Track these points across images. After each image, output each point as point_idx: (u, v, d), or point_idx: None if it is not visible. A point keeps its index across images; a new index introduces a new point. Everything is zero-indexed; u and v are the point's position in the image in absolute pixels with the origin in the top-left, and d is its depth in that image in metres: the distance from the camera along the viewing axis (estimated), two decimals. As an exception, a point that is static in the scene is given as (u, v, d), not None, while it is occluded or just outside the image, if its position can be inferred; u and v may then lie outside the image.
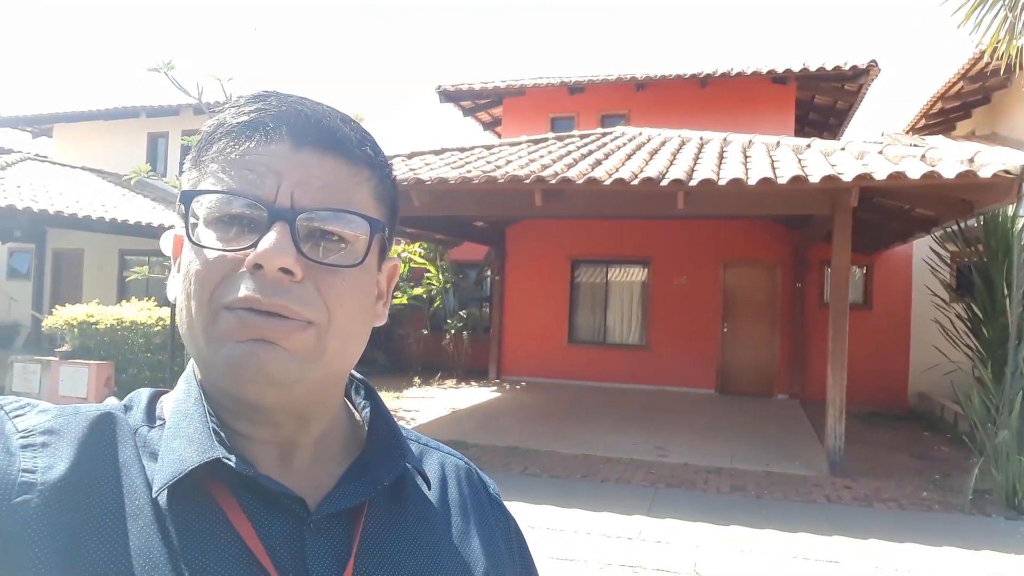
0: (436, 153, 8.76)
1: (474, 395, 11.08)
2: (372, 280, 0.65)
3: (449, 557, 0.67)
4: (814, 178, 6.02)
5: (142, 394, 0.66)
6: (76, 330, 8.59)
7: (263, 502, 0.59)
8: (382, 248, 0.65)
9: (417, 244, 13.12)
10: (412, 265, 13.30)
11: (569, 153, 8.14)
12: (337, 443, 0.68)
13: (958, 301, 7.50)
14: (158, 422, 0.63)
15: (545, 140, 9.45)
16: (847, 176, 5.95)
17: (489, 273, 13.32)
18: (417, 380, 12.15)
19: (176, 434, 0.59)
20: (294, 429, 0.63)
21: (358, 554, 0.61)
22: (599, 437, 8.09)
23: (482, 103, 14.15)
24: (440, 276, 13.05)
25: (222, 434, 0.59)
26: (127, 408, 0.64)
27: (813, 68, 11.13)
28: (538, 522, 5.19)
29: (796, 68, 11.26)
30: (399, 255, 13.16)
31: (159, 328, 8.83)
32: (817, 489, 6.26)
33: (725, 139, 8.48)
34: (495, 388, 11.82)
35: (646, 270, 12.21)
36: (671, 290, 11.99)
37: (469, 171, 7.21)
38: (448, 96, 13.55)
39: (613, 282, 12.49)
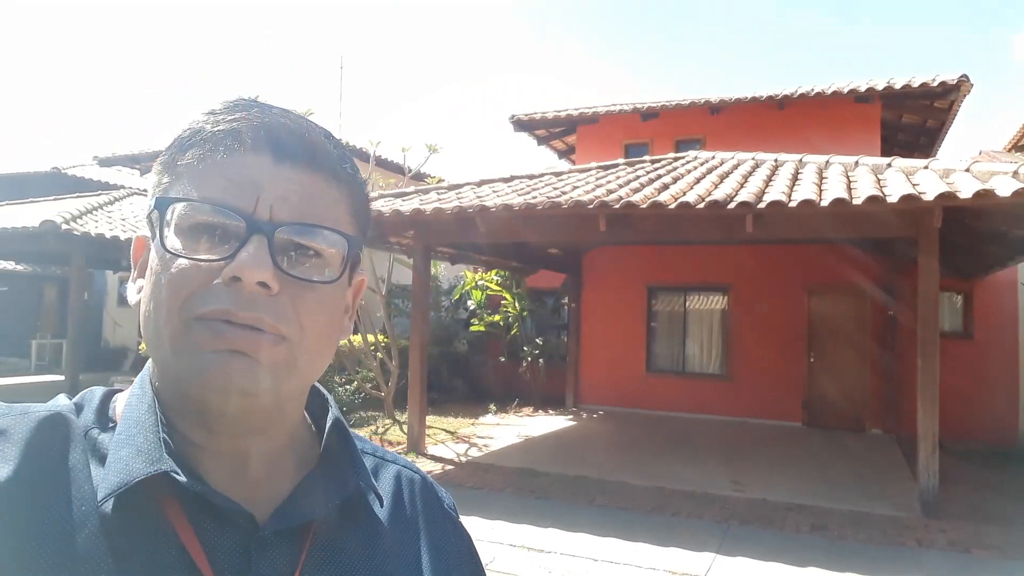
0: (505, 181, 8.84)
1: (549, 423, 10.98)
2: (343, 295, 0.65)
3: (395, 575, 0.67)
4: (892, 198, 5.69)
5: (95, 393, 0.65)
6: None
7: (211, 515, 0.58)
8: (353, 263, 0.65)
9: (494, 272, 13.20)
10: (489, 293, 13.39)
11: (638, 178, 8.04)
12: (292, 456, 0.67)
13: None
14: (110, 424, 0.61)
15: (615, 166, 9.37)
16: (928, 195, 5.60)
17: (566, 300, 13.26)
18: (493, 407, 12.16)
19: (126, 442, 0.58)
20: (251, 440, 0.62)
21: (303, 572, 0.60)
22: (673, 469, 7.83)
23: (556, 131, 14.17)
24: (516, 304, 13.06)
25: (172, 444, 0.57)
26: (79, 407, 0.62)
27: (898, 85, 10.52)
28: (601, 555, 5.06)
29: (880, 86, 10.68)
30: (476, 284, 13.31)
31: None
32: (907, 532, 5.82)
33: (800, 160, 8.16)
34: (571, 417, 11.68)
35: (726, 297, 11.82)
36: (753, 318, 11.52)
37: (534, 197, 7.23)
38: (522, 125, 13.67)
39: (692, 310, 12.15)
